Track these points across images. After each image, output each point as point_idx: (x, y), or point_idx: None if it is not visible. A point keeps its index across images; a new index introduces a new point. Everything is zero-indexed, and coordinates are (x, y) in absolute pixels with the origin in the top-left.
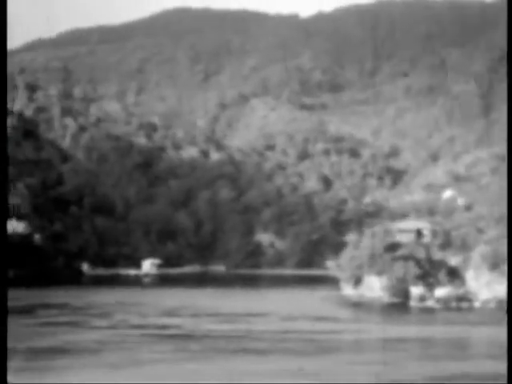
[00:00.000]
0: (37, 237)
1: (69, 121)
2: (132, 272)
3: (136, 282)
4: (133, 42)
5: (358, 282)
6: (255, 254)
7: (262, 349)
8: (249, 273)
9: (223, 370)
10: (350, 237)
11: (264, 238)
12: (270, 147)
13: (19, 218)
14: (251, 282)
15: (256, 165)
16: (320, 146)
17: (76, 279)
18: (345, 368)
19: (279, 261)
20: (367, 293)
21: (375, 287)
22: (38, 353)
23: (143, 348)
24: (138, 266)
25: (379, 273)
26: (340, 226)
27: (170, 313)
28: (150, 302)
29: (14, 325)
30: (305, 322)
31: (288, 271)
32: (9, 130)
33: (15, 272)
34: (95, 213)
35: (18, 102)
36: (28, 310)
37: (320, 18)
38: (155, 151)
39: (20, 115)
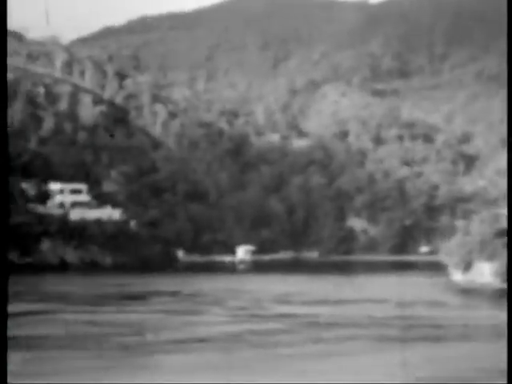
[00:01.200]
0: (132, 224)
1: (159, 108)
2: (227, 259)
3: (231, 268)
4: (202, 28)
5: (467, 267)
6: (347, 240)
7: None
8: (342, 259)
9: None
10: (459, 222)
11: (356, 223)
12: (344, 133)
13: (114, 205)
14: (346, 267)
15: (346, 151)
16: (393, 132)
17: (172, 266)
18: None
19: (372, 247)
20: (478, 278)
21: (486, 273)
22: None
23: (307, 338)
24: (232, 252)
25: (490, 258)
26: (432, 211)
27: (282, 300)
28: (256, 288)
29: (138, 313)
30: (423, 308)
31: (381, 257)
32: (100, 118)
33: (113, 259)
34: (189, 199)
35: (108, 90)
36: (141, 297)
37: (389, 4)
38: (245, 137)
39: (111, 103)
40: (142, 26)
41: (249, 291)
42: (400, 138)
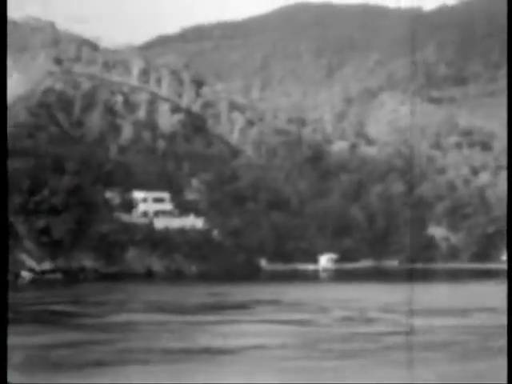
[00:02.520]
0: (215, 232)
1: (236, 115)
2: (310, 267)
3: (314, 277)
4: (256, 37)
5: None
6: (428, 248)
7: None
8: (423, 267)
9: None
10: None
11: (437, 231)
12: (403, 141)
13: (196, 213)
14: (429, 276)
15: (427, 158)
16: (452, 140)
17: (256, 275)
18: None
19: (453, 255)
20: None
21: None
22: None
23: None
24: (314, 260)
25: None
26: None
27: (386, 309)
28: (354, 297)
29: (251, 323)
30: None
31: (462, 265)
32: (178, 126)
33: (197, 268)
34: (271, 208)
35: (185, 98)
36: (242, 306)
37: (443, 11)
38: (324, 145)
39: (188, 111)
40: (196, 35)
41: (348, 300)
42: (459, 145)
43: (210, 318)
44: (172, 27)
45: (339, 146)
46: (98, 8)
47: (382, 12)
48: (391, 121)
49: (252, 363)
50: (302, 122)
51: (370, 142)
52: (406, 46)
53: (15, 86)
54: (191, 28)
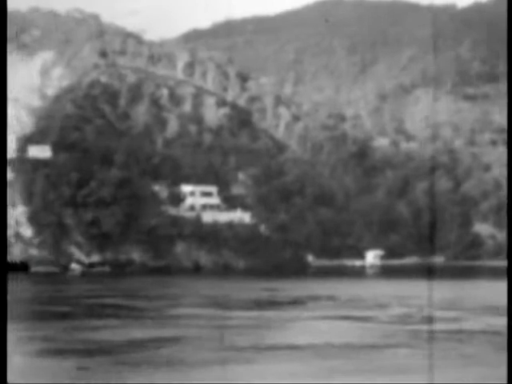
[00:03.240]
0: (262, 227)
1: (282, 110)
2: (357, 263)
3: (361, 273)
4: (289, 32)
5: None
6: (474, 245)
7: None
8: (469, 264)
9: None
10: None
11: (483, 229)
12: (437, 138)
13: (243, 208)
14: (476, 273)
15: (472, 155)
16: (487, 137)
17: (303, 270)
18: None
19: (499, 252)
20: None
21: None
22: None
23: None
24: (360, 256)
25: None
26: None
27: (446, 306)
28: (409, 293)
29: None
30: None
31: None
32: (224, 120)
33: (245, 262)
34: (317, 203)
35: (230, 92)
36: (300, 302)
37: (477, 8)
38: (369, 141)
39: (234, 105)
40: (227, 29)
41: (404, 296)
42: (493, 142)
43: (270, 313)
44: (203, 22)
45: (379, 142)
46: (131, 2)
47: (415, 7)
48: (426, 117)
49: (332, 360)
50: (342, 118)
51: (409, 138)
52: (440, 43)
53: (59, 78)
54: (222, 23)
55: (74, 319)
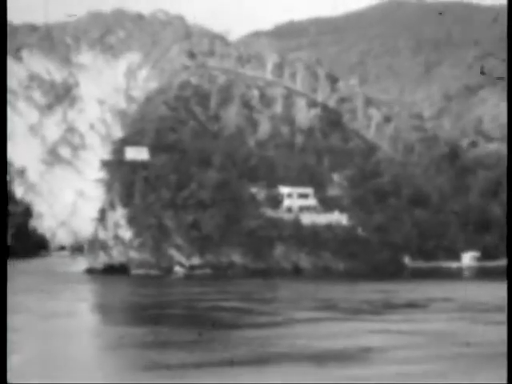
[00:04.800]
0: (359, 229)
1: (373, 111)
2: (453, 265)
3: (457, 274)
4: (352, 34)
5: None
6: None
7: None
8: None
9: None
10: None
11: None
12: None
13: (339, 209)
14: None
15: None
16: None
17: (401, 272)
18: None
19: None
20: None
21: None
22: None
23: None
24: (456, 258)
25: None
26: None
27: None
28: None
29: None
30: None
31: None
32: (316, 121)
33: (345, 264)
34: (412, 204)
35: (320, 93)
36: (418, 304)
37: None
38: (461, 141)
39: (324, 106)
40: (290, 31)
41: None
42: None
43: (395, 317)
44: (265, 24)
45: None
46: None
47: (479, 7)
48: (495, 117)
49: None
50: (421, 118)
51: (488, 138)
52: (504, 42)
53: (145, 79)
54: (285, 24)
55: (204, 324)
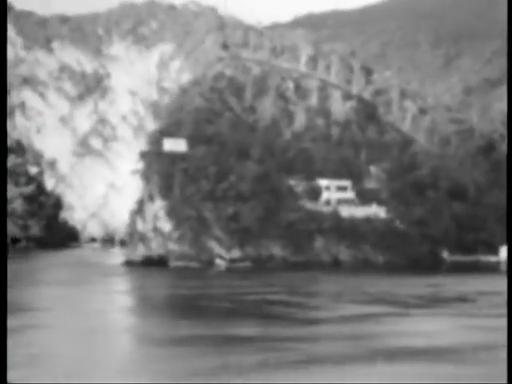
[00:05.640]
0: (398, 222)
1: (408, 103)
2: (492, 259)
3: (495, 269)
4: (374, 26)
5: None
6: None
7: None
8: None
9: None
10: None
11: None
12: None
13: (377, 202)
14: None
15: None
16: None
17: (439, 266)
18: None
19: None
20: None
21: None
22: None
23: None
24: (494, 252)
25: None
26: None
27: None
28: None
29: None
30: None
31: None
32: (351, 113)
33: (384, 258)
34: (451, 197)
35: (355, 85)
36: (467, 298)
37: None
38: (496, 134)
39: (360, 98)
40: (309, 23)
41: None
42: None
43: (450, 311)
44: (284, 16)
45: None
46: None
47: (499, 1)
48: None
49: None
50: (448, 110)
51: None
52: None
53: (178, 71)
54: (303, 16)
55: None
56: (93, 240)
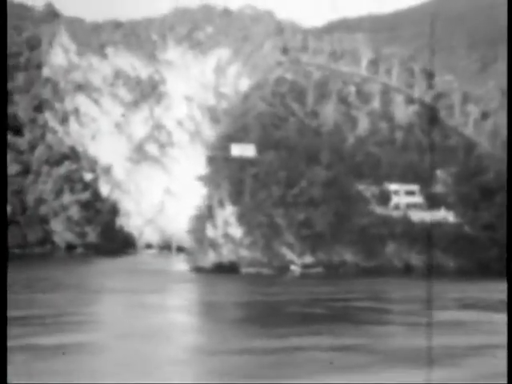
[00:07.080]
0: (466, 227)
1: (471, 107)
2: None
3: None
4: (406, 30)
5: None
6: None
7: None
8: None
9: None
10: None
11: None
12: None
13: (445, 206)
14: None
15: None
16: None
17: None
18: None
19: None
20: None
21: None
22: None
23: None
24: None
25: None
26: None
27: None
28: None
29: None
30: None
31: None
32: (414, 117)
33: (454, 263)
34: None
35: (416, 89)
36: None
37: None
38: None
39: (422, 102)
40: (343, 28)
41: None
42: None
43: None
44: (318, 20)
45: None
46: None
47: None
48: None
49: None
50: (485, 115)
51: None
52: None
53: (235, 76)
54: (337, 21)
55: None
56: (148, 246)
